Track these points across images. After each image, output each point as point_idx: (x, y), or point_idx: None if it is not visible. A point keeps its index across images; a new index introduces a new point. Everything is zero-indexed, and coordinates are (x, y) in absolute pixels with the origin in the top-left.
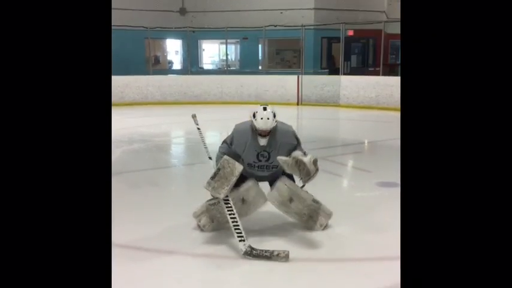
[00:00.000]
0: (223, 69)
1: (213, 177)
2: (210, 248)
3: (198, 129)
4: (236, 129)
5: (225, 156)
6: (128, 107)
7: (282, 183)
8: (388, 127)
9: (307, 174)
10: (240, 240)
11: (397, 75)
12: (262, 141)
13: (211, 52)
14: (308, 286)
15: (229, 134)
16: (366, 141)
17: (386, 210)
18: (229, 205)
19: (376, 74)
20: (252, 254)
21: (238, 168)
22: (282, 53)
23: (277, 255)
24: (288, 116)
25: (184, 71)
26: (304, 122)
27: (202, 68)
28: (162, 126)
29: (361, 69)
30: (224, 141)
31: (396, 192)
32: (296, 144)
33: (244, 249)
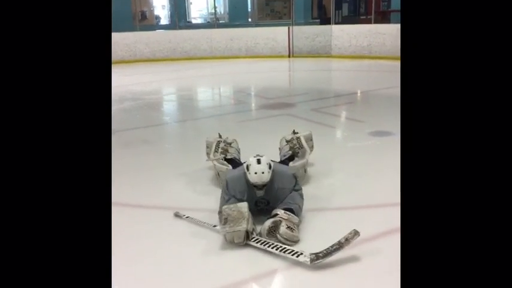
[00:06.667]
0: (212, 23)
1: (224, 223)
2: (205, 204)
3: (188, 217)
4: (229, 178)
5: (224, 207)
6: (116, 65)
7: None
8: (380, 76)
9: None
10: (298, 256)
11: (389, 22)
12: (259, 193)
13: (199, 5)
14: (303, 235)
15: (223, 186)
16: (359, 92)
17: (379, 159)
18: (257, 240)
19: (368, 22)
20: (320, 257)
21: (242, 204)
22: (272, 4)
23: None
24: (280, 69)
25: (173, 25)
26: (296, 74)
27: (190, 22)
28: (152, 83)
29: (353, 17)
30: (222, 197)
31: (388, 141)
32: (292, 188)
33: (309, 259)
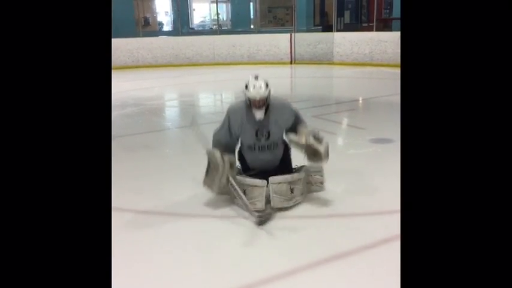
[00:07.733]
0: (215, 30)
1: (206, 174)
2: (206, 209)
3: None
4: (230, 108)
5: (207, 148)
6: (119, 71)
7: (275, 188)
8: (381, 84)
9: (317, 160)
10: (255, 216)
11: (390, 30)
12: (259, 114)
13: (202, 12)
14: (304, 241)
15: (225, 116)
16: (360, 99)
17: (379, 167)
18: (234, 188)
19: (370, 29)
20: (263, 221)
21: (216, 153)
22: (274, 11)
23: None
24: (282, 76)
25: (175, 32)
26: (297, 81)
27: (193, 28)
28: (154, 89)
29: (355, 25)
30: (222, 123)
31: (389, 148)
32: (295, 119)
33: (258, 221)
